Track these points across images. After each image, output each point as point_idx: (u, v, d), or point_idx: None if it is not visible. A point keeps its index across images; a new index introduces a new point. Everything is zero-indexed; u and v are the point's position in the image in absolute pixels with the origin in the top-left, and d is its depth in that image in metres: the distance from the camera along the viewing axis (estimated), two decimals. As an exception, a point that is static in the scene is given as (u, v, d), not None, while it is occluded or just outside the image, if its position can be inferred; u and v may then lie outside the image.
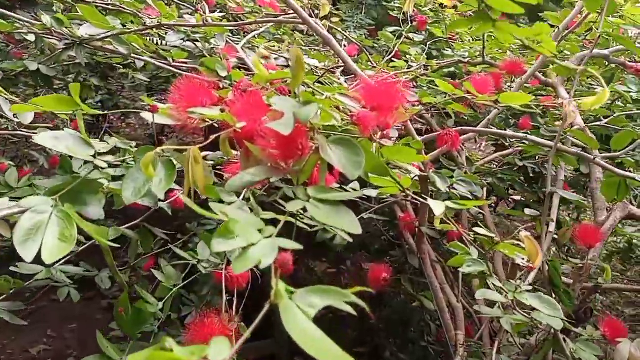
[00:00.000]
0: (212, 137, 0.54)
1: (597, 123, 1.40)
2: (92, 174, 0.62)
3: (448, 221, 0.80)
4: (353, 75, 1.65)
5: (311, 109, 0.47)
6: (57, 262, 1.19)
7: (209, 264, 1.02)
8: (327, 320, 2.94)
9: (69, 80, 2.15)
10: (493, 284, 0.78)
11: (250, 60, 1.62)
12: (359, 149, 0.51)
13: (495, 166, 1.64)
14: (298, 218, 1.02)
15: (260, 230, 0.42)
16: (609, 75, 1.59)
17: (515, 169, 1.76)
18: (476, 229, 0.80)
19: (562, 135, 1.00)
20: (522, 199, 2.05)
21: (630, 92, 1.37)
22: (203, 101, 0.64)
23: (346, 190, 1.26)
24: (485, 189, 1.54)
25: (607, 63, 1.53)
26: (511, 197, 2.34)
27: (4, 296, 1.00)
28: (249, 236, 0.39)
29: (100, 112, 0.75)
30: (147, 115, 0.63)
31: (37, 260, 0.50)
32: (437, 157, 1.29)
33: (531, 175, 1.80)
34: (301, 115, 0.46)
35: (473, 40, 1.85)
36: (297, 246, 0.41)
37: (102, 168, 0.61)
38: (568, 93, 1.40)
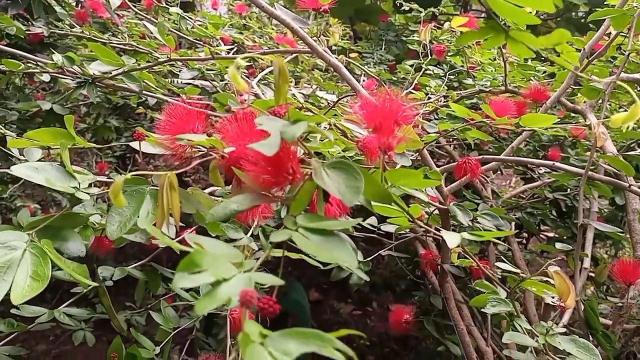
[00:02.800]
0: (195, 162, 0.49)
1: (633, 152, 1.31)
2: (76, 209, 0.58)
3: (467, 256, 0.72)
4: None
5: (299, 127, 0.42)
6: (61, 304, 1.15)
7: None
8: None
9: (89, 123, 2.18)
10: (520, 325, 0.70)
11: (266, 95, 1.60)
12: (357, 173, 0.46)
13: (523, 200, 1.55)
14: (311, 255, 0.95)
15: (239, 264, 0.36)
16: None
17: (546, 202, 1.67)
18: (499, 264, 0.73)
19: (594, 163, 0.92)
20: (556, 234, 1.94)
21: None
22: (194, 128, 0.60)
23: (359, 224, 1.20)
24: (513, 223, 1.45)
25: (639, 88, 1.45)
26: (543, 232, 2.23)
27: (6, 340, 0.96)
28: (220, 270, 0.33)
29: (94, 145, 0.72)
30: (134, 144, 0.59)
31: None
32: (458, 189, 1.22)
33: (563, 209, 1.70)
34: (287, 134, 0.41)
35: (495, 70, 1.80)
36: (279, 282, 0.35)
37: (84, 200, 0.56)
38: (598, 119, 1.32)
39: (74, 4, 2.00)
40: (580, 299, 0.87)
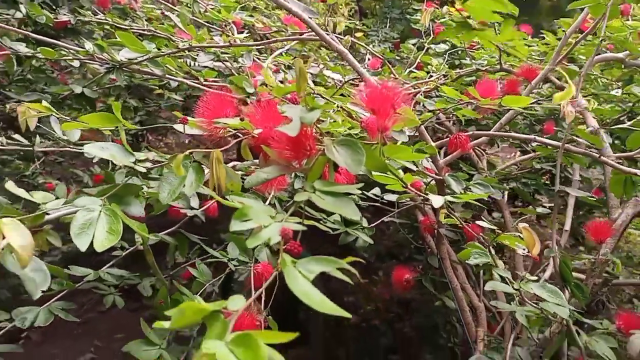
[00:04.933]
0: (233, 141, 0.63)
1: (619, 126, 1.43)
2: (132, 180, 0.72)
3: (452, 216, 0.86)
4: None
5: (315, 114, 0.55)
6: (103, 266, 1.30)
7: (238, 262, 1.10)
8: (363, 329, 2.99)
9: (110, 102, 2.30)
10: (498, 273, 0.84)
11: (278, 77, 1.72)
12: (360, 149, 0.59)
13: (515, 171, 1.68)
14: (322, 222, 1.11)
15: (272, 217, 0.50)
16: (628, 77, 1.62)
17: (540, 173, 1.79)
18: (479, 222, 0.86)
19: (569, 136, 1.04)
20: (551, 204, 2.06)
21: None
22: (227, 113, 0.73)
23: (365, 194, 1.33)
24: (506, 192, 1.58)
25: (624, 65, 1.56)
26: (539, 201, 2.36)
27: (59, 296, 1.11)
28: (261, 219, 0.47)
29: (139, 128, 0.85)
30: (178, 127, 0.72)
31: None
32: (453, 162, 1.34)
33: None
34: (306, 119, 0.54)
35: (492, 50, 1.90)
36: (302, 227, 0.48)
37: (141, 173, 0.70)
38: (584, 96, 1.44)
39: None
40: (556, 256, 1.00)
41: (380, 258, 2.93)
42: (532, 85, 1.21)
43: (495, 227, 0.85)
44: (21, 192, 0.63)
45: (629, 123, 1.46)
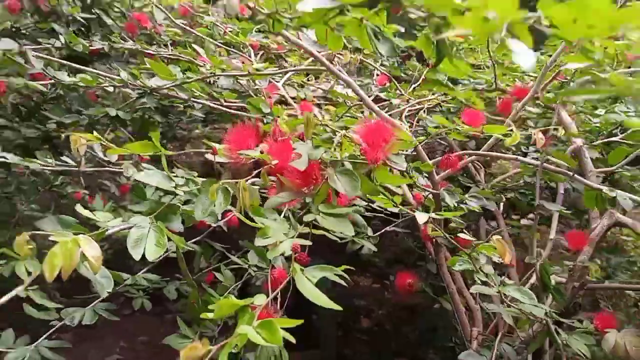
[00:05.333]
0: (255, 172, 0.78)
1: (601, 141, 1.56)
2: (172, 201, 0.87)
3: (437, 229, 1.00)
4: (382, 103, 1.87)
5: (319, 152, 0.71)
6: (139, 270, 1.46)
7: (257, 268, 1.25)
8: (374, 332, 3.13)
9: (136, 116, 2.48)
10: (479, 278, 0.98)
11: (289, 94, 1.88)
12: (356, 177, 0.74)
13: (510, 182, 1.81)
14: (331, 232, 1.28)
15: (285, 234, 0.65)
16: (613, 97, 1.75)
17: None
18: (461, 235, 1.00)
19: (545, 156, 1.18)
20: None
21: (628, 112, 1.53)
22: (249, 144, 0.88)
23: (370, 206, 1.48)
24: (502, 204, 1.71)
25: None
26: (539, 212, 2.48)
27: (101, 298, 1.27)
28: (278, 236, 0.62)
29: (172, 153, 1.01)
30: (209, 156, 0.88)
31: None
32: (453, 174, 1.48)
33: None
34: (312, 156, 0.70)
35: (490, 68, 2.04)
36: (308, 242, 0.64)
37: (178, 195, 0.86)
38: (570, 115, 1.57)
39: (120, 14, 2.28)
40: (538, 263, 1.14)
41: (389, 264, 3.06)
42: (518, 110, 1.34)
43: (473, 239, 1.00)
44: (87, 213, 0.79)
45: (620, 136, 1.59)
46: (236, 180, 0.74)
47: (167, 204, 0.83)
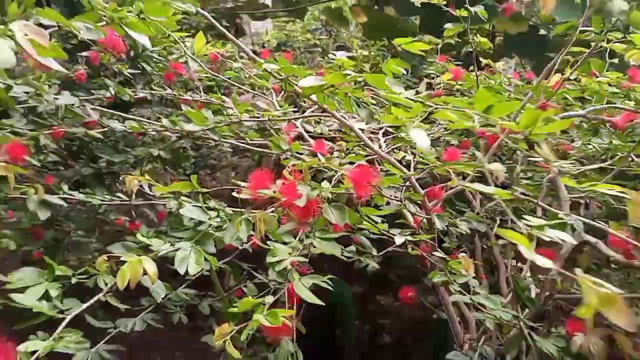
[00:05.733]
0: (271, 205, 1.04)
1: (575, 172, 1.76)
2: (208, 229, 1.14)
3: (417, 249, 1.24)
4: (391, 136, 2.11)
5: (314, 192, 0.96)
6: (179, 286, 1.72)
7: (277, 283, 1.50)
8: (394, 348, 3.33)
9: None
10: (453, 288, 1.20)
11: (306, 130, 2.14)
12: (345, 210, 0.99)
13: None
14: (342, 252, 1.51)
15: (289, 254, 0.90)
16: (592, 129, 1.96)
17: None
18: (436, 253, 1.23)
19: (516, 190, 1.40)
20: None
21: (602, 144, 1.74)
22: (266, 184, 1.14)
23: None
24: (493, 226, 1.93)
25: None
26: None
27: (149, 309, 1.53)
28: (283, 255, 0.87)
29: (206, 190, 1.27)
30: (235, 194, 1.14)
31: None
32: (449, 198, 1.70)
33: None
34: (310, 196, 0.95)
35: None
36: (304, 259, 0.88)
37: (212, 224, 1.12)
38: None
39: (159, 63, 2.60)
40: (511, 276, 1.35)
41: (409, 282, 3.24)
42: (492, 151, 1.57)
43: (446, 257, 1.22)
44: (145, 240, 1.05)
45: (609, 161, 1.79)
46: (255, 213, 1.00)
47: (203, 232, 1.09)
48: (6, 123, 1.66)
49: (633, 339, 1.36)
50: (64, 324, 0.88)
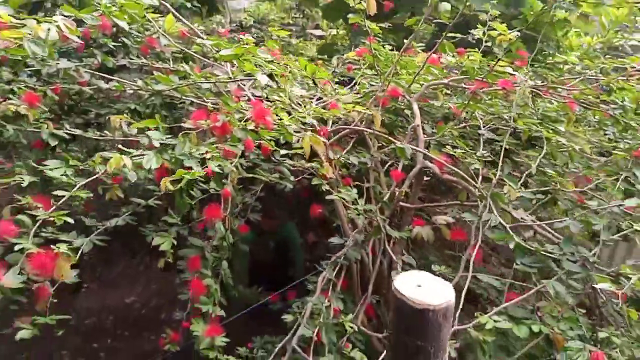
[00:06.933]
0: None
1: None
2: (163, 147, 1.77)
3: (323, 177, 1.90)
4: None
5: (227, 119, 1.60)
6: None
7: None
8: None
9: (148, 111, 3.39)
10: (344, 201, 1.87)
11: (255, 94, 2.77)
12: (247, 131, 1.64)
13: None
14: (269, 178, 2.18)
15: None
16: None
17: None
18: (333, 176, 1.90)
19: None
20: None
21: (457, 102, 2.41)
22: (202, 118, 1.78)
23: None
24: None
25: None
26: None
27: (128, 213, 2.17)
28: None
29: (167, 125, 1.90)
30: (183, 124, 1.78)
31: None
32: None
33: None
34: (224, 120, 1.59)
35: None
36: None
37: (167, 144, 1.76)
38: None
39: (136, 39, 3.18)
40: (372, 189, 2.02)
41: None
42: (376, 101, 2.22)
43: (340, 180, 1.89)
44: (124, 150, 1.69)
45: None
46: (192, 133, 1.64)
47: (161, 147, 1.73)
48: (21, 80, 2.26)
49: (451, 229, 2.06)
50: (75, 189, 1.51)
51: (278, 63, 1.97)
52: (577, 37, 4.13)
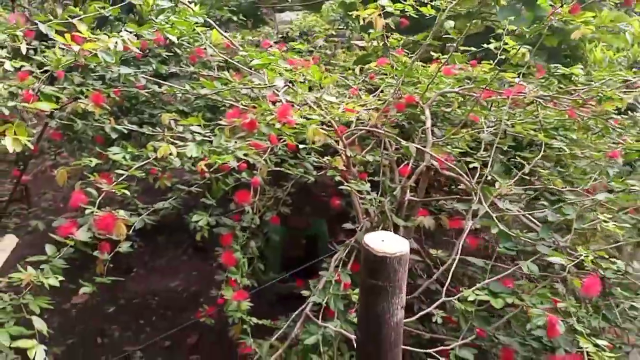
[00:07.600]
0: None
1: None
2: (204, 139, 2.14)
3: (341, 173, 2.22)
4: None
5: (255, 116, 1.94)
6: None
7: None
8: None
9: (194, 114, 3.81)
10: (358, 195, 2.18)
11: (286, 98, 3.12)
12: (271, 126, 1.98)
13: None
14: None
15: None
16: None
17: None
18: (351, 171, 2.21)
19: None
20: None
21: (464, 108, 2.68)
22: (235, 117, 2.13)
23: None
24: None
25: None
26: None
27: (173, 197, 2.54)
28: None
29: (207, 124, 2.26)
30: (220, 122, 2.13)
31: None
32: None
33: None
34: (252, 118, 1.93)
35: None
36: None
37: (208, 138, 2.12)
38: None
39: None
40: (382, 183, 2.32)
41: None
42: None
43: (356, 174, 2.19)
44: (171, 139, 2.06)
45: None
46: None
47: (201, 139, 2.08)
48: (89, 83, 2.70)
49: (451, 218, 2.34)
50: (133, 168, 1.88)
51: (294, 71, 2.31)
52: (604, 51, 4.23)
